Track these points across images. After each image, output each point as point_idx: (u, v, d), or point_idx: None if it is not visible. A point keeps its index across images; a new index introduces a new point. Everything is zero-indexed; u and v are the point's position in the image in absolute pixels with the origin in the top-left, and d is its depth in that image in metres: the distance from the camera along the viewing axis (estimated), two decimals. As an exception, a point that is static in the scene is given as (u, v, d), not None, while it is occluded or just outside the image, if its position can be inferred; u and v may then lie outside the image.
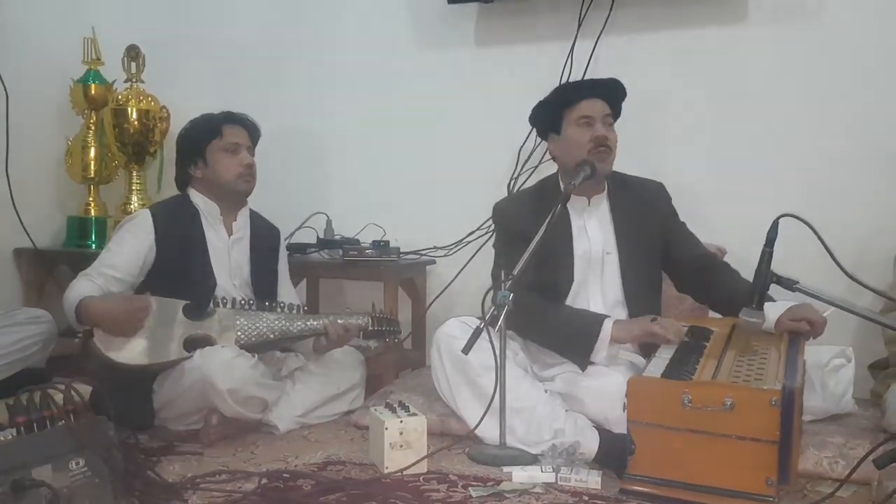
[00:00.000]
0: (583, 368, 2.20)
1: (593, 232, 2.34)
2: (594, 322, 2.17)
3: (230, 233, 2.60)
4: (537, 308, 2.25)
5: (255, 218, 2.70)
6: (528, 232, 2.18)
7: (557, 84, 2.99)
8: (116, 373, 2.26)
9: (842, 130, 2.76)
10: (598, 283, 2.33)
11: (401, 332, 2.73)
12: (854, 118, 2.75)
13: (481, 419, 2.16)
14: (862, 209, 2.72)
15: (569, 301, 2.32)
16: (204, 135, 2.57)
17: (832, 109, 2.77)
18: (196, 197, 2.59)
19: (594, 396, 2.14)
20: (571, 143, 2.28)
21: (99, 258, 2.48)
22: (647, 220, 2.36)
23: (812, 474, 2.00)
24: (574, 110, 2.29)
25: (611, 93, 2.34)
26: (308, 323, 2.50)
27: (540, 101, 2.38)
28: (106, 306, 2.28)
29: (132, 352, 2.28)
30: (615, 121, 2.37)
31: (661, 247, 2.37)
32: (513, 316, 2.06)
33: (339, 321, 2.52)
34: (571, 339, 2.21)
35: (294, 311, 2.53)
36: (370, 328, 2.56)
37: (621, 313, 2.31)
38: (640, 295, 2.32)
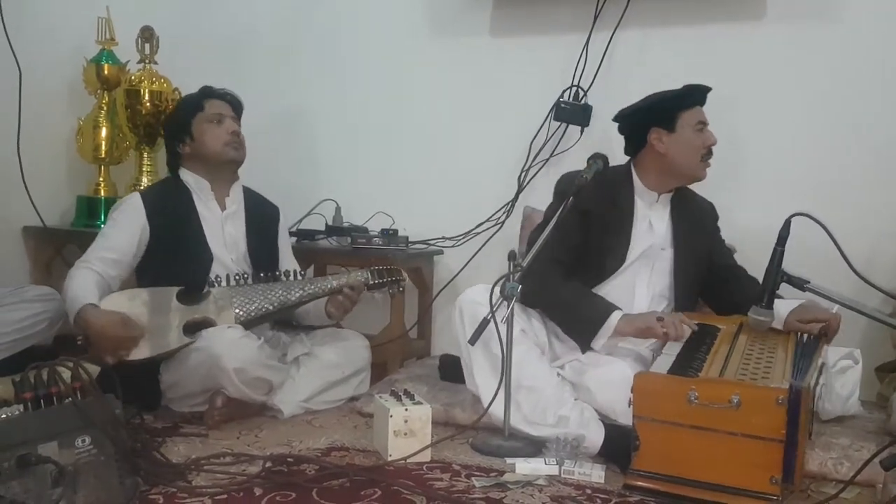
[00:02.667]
0: (583, 351, 2.25)
1: (657, 225, 2.40)
2: (603, 311, 2.20)
3: (223, 207, 2.63)
4: (555, 282, 2.29)
5: (251, 195, 2.73)
6: (585, 206, 2.26)
7: (571, 77, 3.02)
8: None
9: (855, 131, 2.74)
10: (647, 274, 2.38)
11: (404, 280, 2.71)
12: (868, 119, 2.72)
13: (495, 395, 2.11)
14: (873, 211, 2.70)
15: (615, 286, 2.35)
16: (187, 110, 2.62)
17: (846, 109, 2.75)
18: (186, 175, 2.63)
19: (601, 386, 2.14)
20: (688, 144, 2.33)
21: (94, 244, 2.50)
22: (700, 226, 2.47)
23: (816, 475, 1.99)
24: (692, 114, 2.35)
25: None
26: (306, 289, 2.51)
27: (661, 95, 2.38)
28: (101, 322, 2.26)
29: None
30: None
31: (708, 253, 2.46)
32: (530, 283, 2.10)
33: (335, 282, 2.54)
34: (578, 320, 2.25)
35: (291, 278, 2.53)
36: (372, 281, 2.58)
37: (662, 305, 2.39)
38: (685, 291, 2.41)
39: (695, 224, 2.44)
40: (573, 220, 2.25)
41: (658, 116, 2.36)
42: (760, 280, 2.29)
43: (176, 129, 2.63)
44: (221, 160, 2.60)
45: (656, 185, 2.39)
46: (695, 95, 2.39)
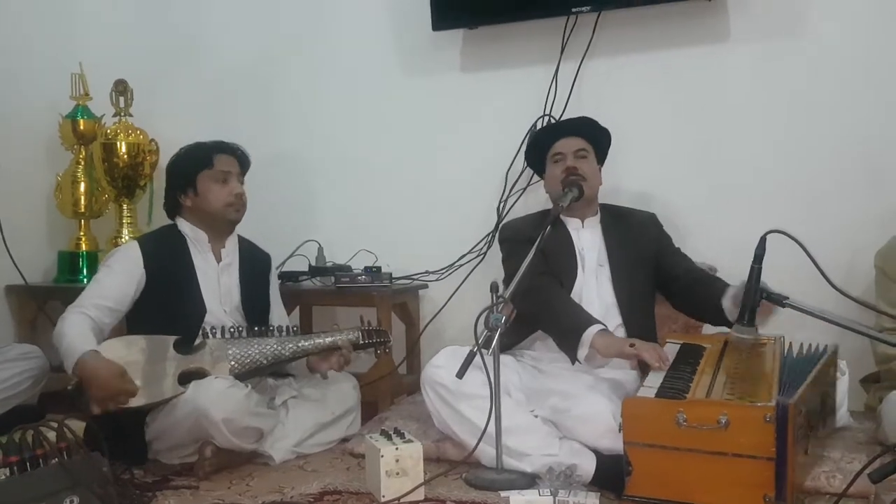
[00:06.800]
0: (572, 362, 2.30)
1: (587, 247, 2.50)
2: (584, 324, 2.26)
3: (219, 259, 2.62)
4: (547, 293, 2.37)
5: (244, 244, 2.72)
6: (533, 240, 2.28)
7: (543, 106, 3.05)
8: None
9: (827, 146, 2.78)
10: (594, 291, 2.46)
11: (391, 342, 2.72)
12: (839, 134, 2.77)
13: (475, 447, 2.15)
14: (849, 224, 2.73)
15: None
16: (194, 164, 2.59)
17: (817, 126, 2.79)
18: (184, 225, 2.61)
19: (582, 424, 2.13)
20: (549, 178, 2.57)
21: (88, 289, 2.48)
22: (638, 239, 2.54)
23: (809, 489, 1.99)
24: (550, 150, 2.56)
25: (585, 129, 2.56)
26: (300, 344, 2.52)
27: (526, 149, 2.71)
28: (101, 371, 2.23)
29: None
30: (601, 160, 2.61)
31: (652, 264, 2.53)
32: (522, 297, 2.14)
33: (328, 339, 2.54)
34: (563, 333, 2.32)
35: (284, 334, 2.53)
36: (360, 342, 2.58)
37: (615, 316, 2.43)
38: (632, 302, 2.46)
39: (630, 238, 2.52)
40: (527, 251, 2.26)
41: (537, 165, 2.69)
42: (728, 281, 2.38)
43: (180, 180, 2.60)
44: (221, 220, 2.60)
45: (572, 212, 2.50)
46: (543, 136, 2.65)
